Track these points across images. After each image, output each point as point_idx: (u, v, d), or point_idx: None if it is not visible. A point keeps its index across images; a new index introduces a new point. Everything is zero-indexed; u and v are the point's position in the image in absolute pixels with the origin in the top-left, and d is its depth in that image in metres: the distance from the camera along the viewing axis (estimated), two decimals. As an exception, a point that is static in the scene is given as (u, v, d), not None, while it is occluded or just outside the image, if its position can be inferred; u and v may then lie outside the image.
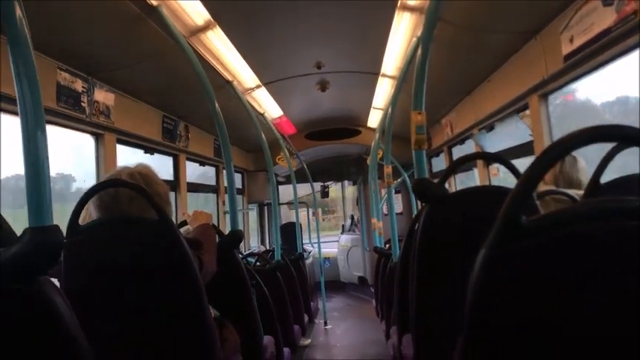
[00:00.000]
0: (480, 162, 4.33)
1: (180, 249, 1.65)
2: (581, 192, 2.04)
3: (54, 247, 0.89)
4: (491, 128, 4.21)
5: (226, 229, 2.76)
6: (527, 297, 0.70)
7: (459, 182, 5.49)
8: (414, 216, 7.28)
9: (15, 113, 2.40)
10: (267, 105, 5.13)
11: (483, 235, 0.81)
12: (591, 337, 0.66)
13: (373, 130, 6.38)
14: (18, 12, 0.92)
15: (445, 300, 1.61)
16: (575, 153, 2.23)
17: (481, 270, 0.71)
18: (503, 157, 1.79)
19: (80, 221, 1.70)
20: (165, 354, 1.66)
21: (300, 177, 6.80)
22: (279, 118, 5.81)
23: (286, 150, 5.31)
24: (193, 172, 5.22)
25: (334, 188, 11.05)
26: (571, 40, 2.48)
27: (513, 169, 1.69)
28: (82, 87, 2.89)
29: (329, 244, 9.59)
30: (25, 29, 0.92)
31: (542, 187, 2.18)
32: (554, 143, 0.70)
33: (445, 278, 1.62)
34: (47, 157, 0.93)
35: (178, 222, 2.31)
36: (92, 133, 3.18)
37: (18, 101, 0.92)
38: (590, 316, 0.66)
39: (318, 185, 9.30)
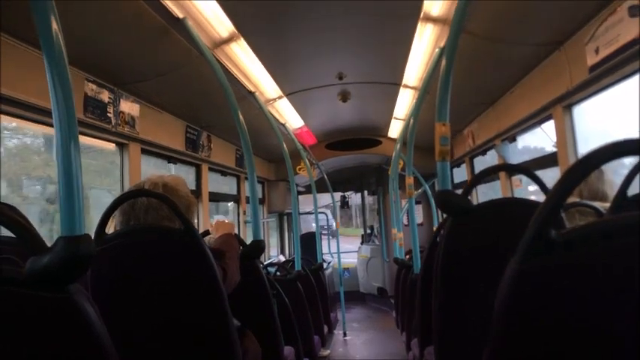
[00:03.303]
0: (502, 173, 4.29)
1: (204, 259, 1.66)
2: (607, 205, 2.01)
3: (85, 256, 0.90)
4: (513, 139, 4.18)
5: (247, 239, 2.77)
6: (555, 311, 0.69)
7: (480, 193, 5.44)
8: (435, 227, 7.24)
9: (47, 124, 2.48)
10: (288, 115, 5.16)
11: (509, 248, 0.81)
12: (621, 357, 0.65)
13: (394, 140, 6.36)
14: (54, 26, 0.94)
15: (468, 312, 1.59)
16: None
17: (510, 283, 0.71)
18: (528, 169, 1.77)
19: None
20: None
21: (320, 187, 6.81)
22: (300, 128, 5.84)
23: (307, 160, 5.32)
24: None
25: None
26: (596, 51, 2.45)
27: (538, 181, 1.67)
28: (109, 98, 2.94)
29: (348, 254, 9.57)
30: (60, 43, 0.94)
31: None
32: (584, 158, 0.70)
33: (468, 291, 1.61)
34: (80, 167, 0.95)
35: (201, 232, 2.33)
36: (117, 143, 3.23)
37: (53, 112, 0.93)
38: (619, 333, 0.65)
39: (337, 195, 9.30)
